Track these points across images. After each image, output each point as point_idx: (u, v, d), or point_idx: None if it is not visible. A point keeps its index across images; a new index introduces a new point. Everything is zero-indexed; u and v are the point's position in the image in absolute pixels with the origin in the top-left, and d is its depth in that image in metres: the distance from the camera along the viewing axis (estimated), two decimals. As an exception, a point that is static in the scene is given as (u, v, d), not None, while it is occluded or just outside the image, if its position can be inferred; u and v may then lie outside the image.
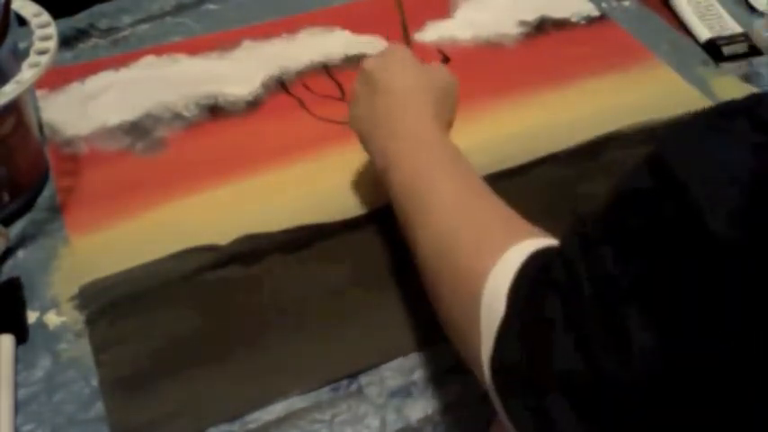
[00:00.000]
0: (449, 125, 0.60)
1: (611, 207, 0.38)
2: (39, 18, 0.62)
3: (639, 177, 0.37)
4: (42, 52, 0.60)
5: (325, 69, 0.80)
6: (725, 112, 0.36)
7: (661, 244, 0.34)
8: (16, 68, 0.59)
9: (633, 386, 0.35)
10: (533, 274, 0.42)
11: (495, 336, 0.42)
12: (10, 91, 0.57)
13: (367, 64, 0.61)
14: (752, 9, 0.90)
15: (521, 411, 0.41)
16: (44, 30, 0.62)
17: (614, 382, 0.35)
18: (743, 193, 0.32)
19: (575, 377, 0.37)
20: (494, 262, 0.45)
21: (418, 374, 0.56)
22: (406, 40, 0.61)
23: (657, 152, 0.36)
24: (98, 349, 0.56)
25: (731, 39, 0.84)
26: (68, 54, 0.79)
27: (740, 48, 0.84)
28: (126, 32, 0.83)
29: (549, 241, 0.45)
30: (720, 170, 0.33)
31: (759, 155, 0.33)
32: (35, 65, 0.59)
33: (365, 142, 0.61)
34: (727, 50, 0.84)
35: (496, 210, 0.51)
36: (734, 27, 0.86)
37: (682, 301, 0.34)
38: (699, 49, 0.85)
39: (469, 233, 0.49)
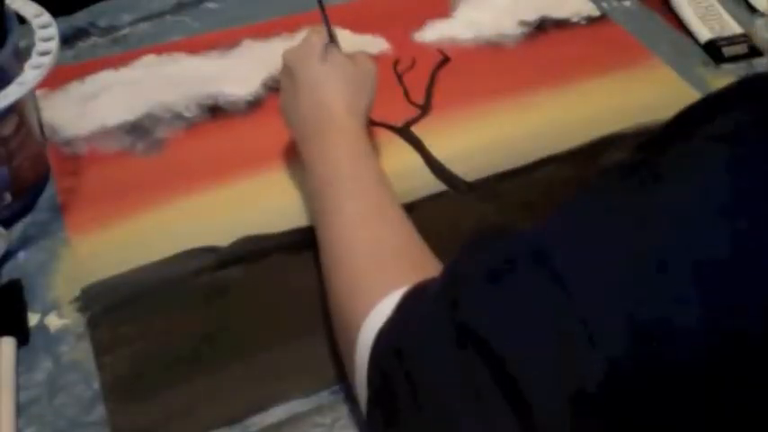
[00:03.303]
0: (366, 111, 0.62)
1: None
2: (39, 18, 0.62)
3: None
4: (44, 53, 0.59)
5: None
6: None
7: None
8: (18, 69, 0.58)
9: None
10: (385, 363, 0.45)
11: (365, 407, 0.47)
12: (13, 92, 0.57)
13: (285, 56, 0.63)
14: (752, 9, 0.90)
15: None
16: (45, 30, 0.61)
17: None
18: None
19: None
20: (366, 312, 0.47)
21: (419, 377, 0.56)
22: (330, 34, 0.64)
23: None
24: (99, 352, 0.56)
25: (731, 39, 0.84)
26: (68, 53, 0.79)
27: (740, 49, 0.84)
28: (125, 31, 0.83)
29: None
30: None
31: None
32: (37, 66, 0.58)
33: (291, 131, 0.63)
34: (727, 52, 0.83)
35: (386, 242, 0.52)
36: (734, 27, 0.86)
37: None
38: (699, 50, 0.85)
39: (349, 271, 0.51)
